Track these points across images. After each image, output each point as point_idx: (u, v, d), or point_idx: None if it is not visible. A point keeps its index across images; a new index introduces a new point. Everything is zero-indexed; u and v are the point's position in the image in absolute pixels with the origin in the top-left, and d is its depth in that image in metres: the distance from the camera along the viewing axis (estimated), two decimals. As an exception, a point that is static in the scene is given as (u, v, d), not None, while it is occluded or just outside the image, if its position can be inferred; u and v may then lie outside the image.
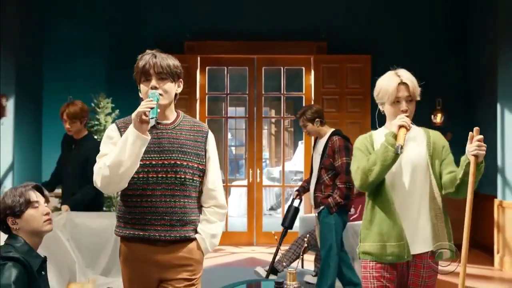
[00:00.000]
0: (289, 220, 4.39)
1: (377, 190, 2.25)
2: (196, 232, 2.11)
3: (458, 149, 6.96)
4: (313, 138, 4.54)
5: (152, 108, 1.93)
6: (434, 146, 2.27)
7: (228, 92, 7.25)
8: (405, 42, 6.49)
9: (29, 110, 5.98)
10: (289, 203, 4.73)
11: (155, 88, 2.04)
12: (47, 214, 2.14)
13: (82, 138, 3.83)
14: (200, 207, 2.17)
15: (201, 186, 2.16)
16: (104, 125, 5.26)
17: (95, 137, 5.18)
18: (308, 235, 4.43)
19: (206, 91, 6.92)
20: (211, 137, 2.21)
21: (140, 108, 1.92)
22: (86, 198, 3.61)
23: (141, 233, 2.03)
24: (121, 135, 2.05)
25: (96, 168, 2.00)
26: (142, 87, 2.09)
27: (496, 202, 5.46)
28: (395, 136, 2.14)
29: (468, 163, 2.06)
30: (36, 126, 6.20)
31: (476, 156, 2.03)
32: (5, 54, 5.26)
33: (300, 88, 7.13)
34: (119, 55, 6.33)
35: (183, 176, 2.07)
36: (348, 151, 3.75)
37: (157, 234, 2.03)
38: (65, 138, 4.03)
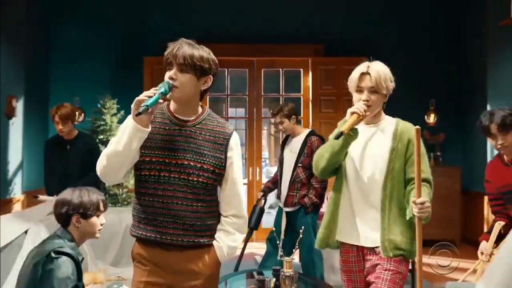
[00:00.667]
0: (254, 220, 4.22)
1: (336, 180, 2.28)
2: (212, 239, 1.97)
3: (450, 148, 7.04)
4: (281, 137, 4.63)
5: (150, 97, 1.77)
6: (400, 138, 2.20)
7: (228, 93, 7.33)
8: (399, 46, 6.58)
9: (36, 111, 6.07)
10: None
11: (171, 79, 1.86)
12: (102, 224, 2.36)
13: (76, 136, 3.98)
14: (217, 213, 2.02)
15: (220, 192, 2.02)
16: (110, 125, 5.42)
17: (101, 136, 5.38)
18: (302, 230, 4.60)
19: (207, 92, 7.07)
20: (234, 140, 2.00)
21: (139, 96, 1.79)
22: (87, 184, 3.75)
23: (153, 235, 1.91)
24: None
25: (101, 155, 1.90)
26: (166, 75, 1.90)
27: (486, 199, 5.42)
28: (344, 122, 2.14)
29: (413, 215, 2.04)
30: (42, 126, 6.29)
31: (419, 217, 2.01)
32: (15, 57, 5.35)
33: (298, 90, 7.18)
34: (123, 57, 6.49)
35: (195, 179, 1.90)
36: None
37: (169, 238, 1.90)
38: (52, 143, 4.09)
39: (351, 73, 2.26)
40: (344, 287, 2.33)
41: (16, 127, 5.38)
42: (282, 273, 2.77)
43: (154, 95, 1.75)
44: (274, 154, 12.82)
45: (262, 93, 7.06)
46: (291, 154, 3.97)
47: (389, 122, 2.26)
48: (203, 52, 1.92)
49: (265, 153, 11.30)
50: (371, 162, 2.19)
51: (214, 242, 1.95)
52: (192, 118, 1.94)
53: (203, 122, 1.95)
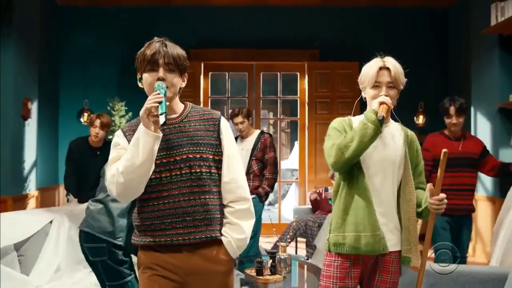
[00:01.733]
0: None
1: (354, 177, 2.07)
2: (222, 233, 1.85)
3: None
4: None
5: (160, 103, 1.69)
6: (411, 145, 2.14)
7: (229, 95, 7.46)
8: (390, 50, 6.48)
9: (49, 112, 6.38)
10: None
11: (162, 79, 1.78)
12: None
13: (105, 144, 4.31)
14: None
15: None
16: (119, 126, 5.69)
17: (110, 137, 5.68)
18: (294, 223, 4.97)
19: (209, 95, 7.13)
20: (224, 123, 1.91)
21: (147, 104, 1.69)
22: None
23: (163, 240, 1.78)
24: (127, 140, 1.82)
25: (109, 176, 1.76)
26: (146, 77, 1.82)
27: None
28: (376, 113, 1.98)
29: (425, 207, 2.02)
30: (54, 127, 6.62)
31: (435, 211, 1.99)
32: (29, 61, 5.60)
33: (295, 92, 7.29)
34: (130, 61, 6.67)
35: (198, 170, 1.81)
36: (274, 148, 4.47)
37: (180, 238, 1.78)
38: (80, 146, 4.33)
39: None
40: None
41: (31, 127, 5.66)
42: (278, 256, 3.11)
43: (161, 100, 1.69)
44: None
45: (261, 96, 7.19)
46: (243, 151, 4.40)
47: (395, 126, 2.18)
48: (182, 50, 1.88)
49: None
50: (387, 165, 2.07)
51: (223, 238, 1.83)
52: (178, 114, 1.88)
53: (189, 115, 1.89)
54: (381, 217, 2.03)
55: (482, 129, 5.49)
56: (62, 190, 6.48)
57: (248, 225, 1.86)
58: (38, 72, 5.88)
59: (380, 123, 1.96)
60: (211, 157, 1.84)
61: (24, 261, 3.09)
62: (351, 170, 2.06)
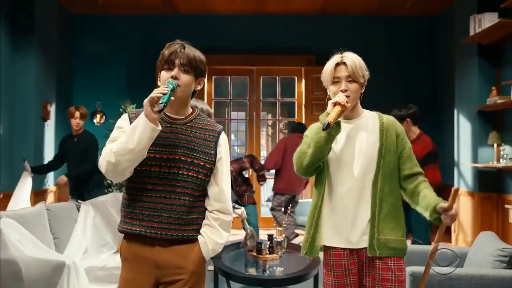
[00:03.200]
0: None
1: (320, 178, 2.09)
2: (197, 233, 1.89)
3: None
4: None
5: (164, 94, 1.73)
6: (387, 133, 2.05)
7: (231, 98, 7.68)
8: (381, 56, 6.96)
9: (64, 114, 6.53)
10: None
11: (175, 78, 1.83)
12: None
13: (82, 132, 4.99)
14: (204, 209, 1.93)
15: (208, 187, 1.93)
16: None
17: None
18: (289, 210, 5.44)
19: (213, 97, 7.43)
20: (223, 138, 1.96)
21: (152, 94, 1.73)
22: (83, 171, 4.79)
23: (138, 229, 1.85)
24: (130, 124, 1.85)
25: (103, 152, 1.81)
26: (163, 74, 1.87)
27: (450, 189, 6.08)
28: (327, 115, 1.94)
29: (436, 217, 1.93)
30: (68, 127, 6.83)
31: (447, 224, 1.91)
32: (47, 67, 5.96)
33: (293, 95, 7.50)
34: (139, 66, 6.99)
35: (185, 173, 1.85)
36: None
37: (153, 232, 1.83)
38: (66, 137, 5.12)
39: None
40: None
41: (50, 128, 6.07)
42: (275, 239, 3.55)
43: (166, 92, 1.73)
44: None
45: (261, 98, 7.46)
46: None
47: (370, 116, 2.11)
48: (200, 54, 1.91)
49: (263, 152, 11.77)
50: (358, 159, 2.02)
51: (199, 237, 1.89)
52: (183, 117, 1.92)
53: (193, 120, 1.93)
54: (352, 212, 2.03)
55: (464, 130, 5.80)
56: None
57: (226, 235, 1.92)
58: (55, 76, 6.23)
59: (333, 128, 1.93)
60: (202, 163, 1.88)
61: (58, 243, 3.55)
62: (319, 173, 2.08)
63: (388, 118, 2.11)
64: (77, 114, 4.91)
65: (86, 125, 6.79)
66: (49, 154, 6.06)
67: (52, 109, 6.12)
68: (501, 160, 5.20)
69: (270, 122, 12.13)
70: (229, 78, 7.51)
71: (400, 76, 7.15)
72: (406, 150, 2.06)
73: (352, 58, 2.05)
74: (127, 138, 1.73)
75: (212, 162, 1.90)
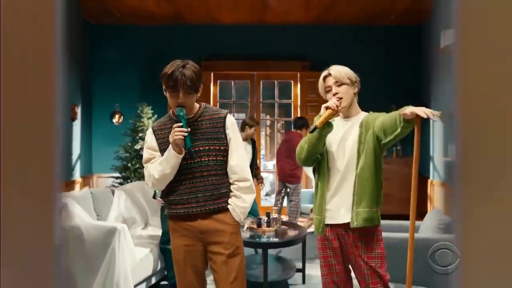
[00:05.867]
0: None
1: (320, 168, 2.31)
2: (227, 203, 2.23)
3: (407, 142, 8.08)
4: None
5: (185, 137, 2.09)
6: (365, 127, 2.21)
7: (234, 100, 8.02)
8: (370, 61, 7.40)
9: (87, 115, 7.31)
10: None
11: (182, 105, 2.13)
12: None
13: None
14: (229, 184, 2.26)
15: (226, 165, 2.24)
16: (146, 127, 6.46)
17: (140, 134, 6.66)
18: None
19: (218, 99, 7.80)
20: (229, 120, 2.23)
21: (174, 136, 2.09)
22: None
23: (183, 211, 2.22)
24: (155, 139, 2.25)
25: (145, 173, 2.24)
26: (169, 95, 2.14)
27: (429, 181, 6.55)
28: (319, 116, 2.16)
29: (407, 124, 1.92)
30: (88, 127, 7.49)
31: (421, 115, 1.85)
32: (74, 74, 6.55)
33: (289, 97, 7.79)
34: (153, 70, 7.23)
35: (206, 159, 2.19)
36: None
37: (194, 210, 2.20)
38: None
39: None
40: (323, 277, 2.32)
41: (77, 127, 6.65)
42: (271, 216, 4.31)
43: (185, 135, 2.09)
44: (269, 151, 13.43)
45: (261, 100, 7.81)
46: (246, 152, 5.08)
47: (361, 116, 2.30)
48: (197, 69, 2.13)
49: (262, 151, 11.74)
50: (346, 150, 2.23)
51: (229, 206, 2.23)
52: (192, 115, 2.22)
53: (202, 114, 2.23)
54: (342, 196, 2.24)
55: (438, 130, 6.39)
56: (95, 178, 7.42)
57: (249, 198, 2.25)
58: (80, 82, 6.80)
59: (320, 130, 2.12)
60: (217, 148, 2.21)
61: (99, 219, 4.33)
62: (321, 164, 2.30)
63: (367, 116, 2.26)
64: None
65: (106, 123, 7.54)
66: (76, 150, 6.61)
67: (78, 110, 6.71)
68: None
69: (268, 122, 12.35)
70: (233, 82, 7.83)
71: (385, 78, 7.49)
72: (379, 118, 2.17)
73: (336, 68, 2.27)
74: (163, 167, 2.17)
75: (225, 144, 2.22)
